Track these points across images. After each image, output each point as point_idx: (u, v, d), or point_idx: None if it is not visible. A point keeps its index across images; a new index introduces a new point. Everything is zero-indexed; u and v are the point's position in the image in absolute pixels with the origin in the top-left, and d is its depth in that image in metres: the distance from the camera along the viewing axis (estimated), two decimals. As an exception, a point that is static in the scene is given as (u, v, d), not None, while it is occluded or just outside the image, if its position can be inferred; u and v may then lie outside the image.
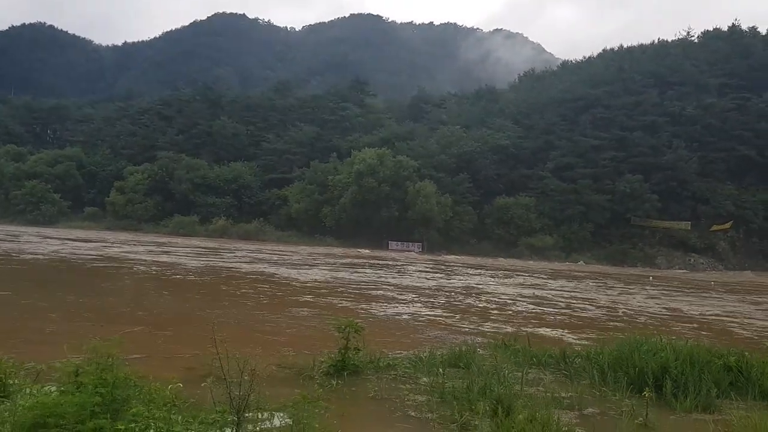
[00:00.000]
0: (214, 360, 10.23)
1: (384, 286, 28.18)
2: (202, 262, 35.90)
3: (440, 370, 10.31)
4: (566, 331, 17.97)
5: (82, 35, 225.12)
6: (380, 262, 47.76)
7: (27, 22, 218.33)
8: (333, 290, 25.36)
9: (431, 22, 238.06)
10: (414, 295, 25.17)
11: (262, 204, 79.08)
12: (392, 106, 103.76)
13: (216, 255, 43.59)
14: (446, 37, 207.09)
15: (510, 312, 21.87)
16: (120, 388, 6.11)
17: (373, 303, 21.85)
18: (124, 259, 34.99)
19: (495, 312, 21.51)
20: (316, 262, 42.87)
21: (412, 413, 8.33)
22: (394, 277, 33.53)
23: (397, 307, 21.17)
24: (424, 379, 10.14)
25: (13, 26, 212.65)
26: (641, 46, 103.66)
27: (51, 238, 52.81)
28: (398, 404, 8.67)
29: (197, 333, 14.60)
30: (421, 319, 18.71)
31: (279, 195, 78.56)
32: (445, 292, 27.51)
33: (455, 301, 24.35)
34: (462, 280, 35.12)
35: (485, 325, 18.33)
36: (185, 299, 20.80)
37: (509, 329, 17.52)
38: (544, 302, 25.60)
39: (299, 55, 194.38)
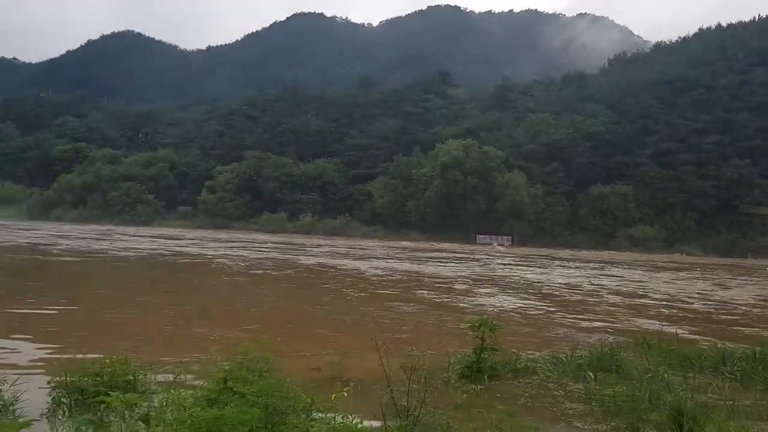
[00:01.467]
0: (341, 361, 9.31)
1: (479, 280, 26.69)
2: (295, 258, 35.46)
3: (589, 374, 9.11)
4: (693, 327, 16.04)
5: (169, 41, 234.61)
6: (469, 255, 46.13)
7: (117, 31, 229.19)
8: (427, 285, 24.09)
9: (511, 10, 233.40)
10: (515, 290, 23.60)
11: (347, 199, 78.86)
12: (475, 96, 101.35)
13: (303, 251, 43.22)
14: (527, 25, 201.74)
15: (626, 307, 20.00)
16: (277, 397, 5.34)
17: (475, 297, 20.51)
18: (220, 257, 34.97)
19: (613, 307, 19.69)
20: (403, 256, 41.76)
21: (578, 424, 7.19)
22: (486, 271, 31.94)
23: (501, 302, 19.73)
24: (573, 384, 8.93)
25: (104, 35, 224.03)
26: (742, 23, 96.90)
27: (154, 237, 54.10)
28: (557, 414, 7.56)
29: (311, 331, 13.77)
30: (532, 314, 17.19)
31: (363, 190, 78.13)
32: (547, 286, 25.76)
33: (560, 295, 22.66)
34: (560, 273, 33.12)
35: (608, 322, 16.65)
36: (289, 296, 20.13)
37: (637, 326, 15.83)
38: (655, 296, 23.52)
39: (378, 51, 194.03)
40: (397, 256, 41.80)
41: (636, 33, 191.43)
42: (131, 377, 7.83)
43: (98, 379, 7.40)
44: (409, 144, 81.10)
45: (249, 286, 22.46)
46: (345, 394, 6.01)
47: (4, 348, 10.77)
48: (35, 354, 10.59)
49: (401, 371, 10.48)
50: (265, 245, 48.08)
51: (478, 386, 8.57)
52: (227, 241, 51.66)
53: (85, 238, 47.65)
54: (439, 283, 25.04)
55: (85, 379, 7.43)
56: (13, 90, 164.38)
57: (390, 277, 26.52)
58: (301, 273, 27.38)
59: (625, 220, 65.60)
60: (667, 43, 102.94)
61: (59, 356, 10.36)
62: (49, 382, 7.76)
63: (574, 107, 79.57)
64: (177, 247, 41.37)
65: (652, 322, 17.14)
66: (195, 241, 49.30)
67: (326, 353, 11.27)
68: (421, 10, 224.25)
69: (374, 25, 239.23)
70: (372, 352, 11.72)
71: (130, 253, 35.00)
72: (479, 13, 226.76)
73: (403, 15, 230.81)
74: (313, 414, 5.84)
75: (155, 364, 8.25)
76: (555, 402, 8.04)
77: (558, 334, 14.56)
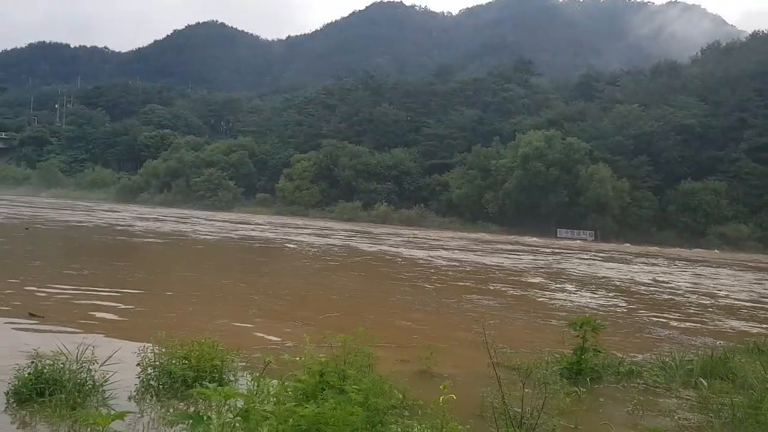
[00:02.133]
0: (431, 355, 8.72)
1: (560, 276, 25.52)
2: (369, 247, 35.14)
3: (701, 380, 8.43)
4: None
5: (251, 31, 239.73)
6: (549, 250, 44.60)
7: (201, 21, 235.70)
8: (505, 278, 23.18)
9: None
10: (599, 287, 22.40)
11: (423, 190, 78.15)
12: (559, 86, 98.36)
13: (378, 239, 42.90)
14: (613, 13, 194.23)
15: (719, 308, 18.60)
16: (379, 395, 5.03)
17: (556, 293, 19.57)
18: (296, 243, 35.06)
19: (704, 308, 18.34)
20: (479, 248, 40.79)
21: (699, 438, 6.63)
22: (567, 266, 30.58)
23: (585, 299, 18.65)
24: (684, 391, 8.36)
25: (189, 25, 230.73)
26: None
27: (232, 222, 55.16)
28: (671, 425, 6.98)
29: (394, 321, 13.28)
30: (619, 313, 16.11)
31: (440, 181, 77.22)
32: (633, 283, 24.36)
33: (648, 294, 21.38)
34: (646, 270, 31.41)
35: (701, 323, 15.49)
36: (366, 284, 19.74)
37: (731, 328, 14.71)
38: (748, 297, 21.89)
39: (456, 40, 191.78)
40: (473, 248, 40.92)
41: (729, 22, 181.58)
42: (218, 362, 7.48)
43: (186, 362, 7.25)
44: (488, 134, 79.46)
45: (324, 271, 22.23)
46: (453, 396, 5.42)
47: (94, 326, 10.76)
48: (124, 333, 10.50)
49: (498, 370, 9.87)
50: (340, 233, 48.11)
51: (580, 390, 7.93)
52: (303, 228, 52.00)
53: (168, 221, 49.02)
54: (517, 277, 24.13)
55: (174, 361, 7.29)
56: (103, 78, 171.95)
57: (465, 269, 25.83)
58: (375, 261, 27.01)
59: (716, 217, 62.03)
60: (765, 32, 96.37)
61: (147, 337, 10.28)
62: (138, 364, 7.55)
63: (665, 98, 75.72)
64: (254, 232, 41.89)
65: (750, 324, 15.81)
66: (271, 227, 49.83)
67: (412, 345, 10.77)
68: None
69: (453, 14, 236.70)
70: (460, 346, 11.16)
71: (210, 237, 35.62)
72: (562, 1, 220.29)
73: (484, 3, 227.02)
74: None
75: (241, 348, 8.05)
76: (667, 410, 7.51)
77: (658, 335, 13.52)
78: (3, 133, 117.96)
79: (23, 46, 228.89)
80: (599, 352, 9.04)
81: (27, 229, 32.97)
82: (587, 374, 8.64)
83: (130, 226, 40.29)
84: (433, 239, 48.88)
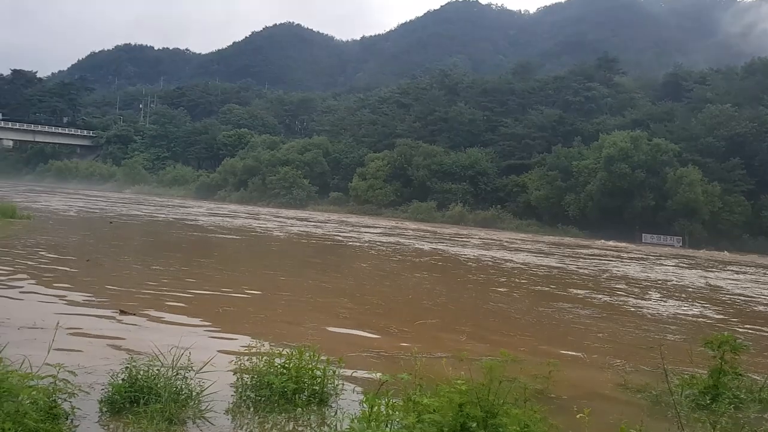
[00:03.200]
0: (549, 374, 7.71)
1: (648, 283, 23.78)
2: (446, 248, 34.11)
3: None
4: None
5: (326, 32, 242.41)
6: (633, 255, 42.30)
7: (278, 22, 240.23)
8: (591, 284, 21.68)
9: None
10: (690, 296, 20.67)
11: (500, 191, 76.28)
12: (644, 85, 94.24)
13: (453, 241, 41.78)
14: (699, 10, 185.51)
15: None
16: None
17: (649, 302, 18.11)
18: (371, 242, 34.43)
19: None
20: (560, 252, 39.05)
21: None
22: (655, 274, 28.62)
23: (680, 309, 17.10)
24: None
25: (266, 27, 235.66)
26: None
27: (306, 220, 55.25)
28: None
29: (493, 331, 12.30)
30: (717, 326, 14.46)
31: (517, 182, 75.18)
32: (727, 294, 22.38)
33: (746, 305, 19.45)
34: (739, 280, 29.07)
35: None
36: (451, 286, 18.74)
37: None
38: None
39: (533, 38, 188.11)
40: (554, 252, 39.28)
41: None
42: (319, 373, 6.92)
43: (284, 371, 6.80)
44: (569, 134, 76.87)
45: (404, 272, 21.43)
46: None
47: (184, 325, 10.28)
48: (216, 335, 9.97)
49: (618, 389, 8.77)
50: (414, 233, 47.26)
51: (723, 419, 7.04)
52: (375, 227, 51.40)
53: (243, 218, 49.46)
54: (603, 283, 22.66)
55: (272, 371, 6.84)
56: (185, 79, 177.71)
57: (548, 274, 24.56)
58: (452, 263, 26.03)
59: (817, 224, 57.77)
60: None
61: (240, 340, 9.70)
62: (234, 373, 6.98)
63: (759, 98, 71.08)
64: (327, 231, 41.56)
65: None
66: (343, 226, 49.48)
67: (524, 360, 9.79)
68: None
69: (531, 12, 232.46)
70: (572, 363, 10.06)
71: (283, 234, 35.47)
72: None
73: (563, 1, 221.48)
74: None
75: (339, 355, 7.37)
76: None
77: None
78: (91, 132, 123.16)
79: (110, 48, 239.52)
80: (740, 375, 7.98)
81: (111, 222, 33.81)
82: (726, 400, 7.61)
83: (207, 222, 40.72)
84: (511, 241, 47.42)
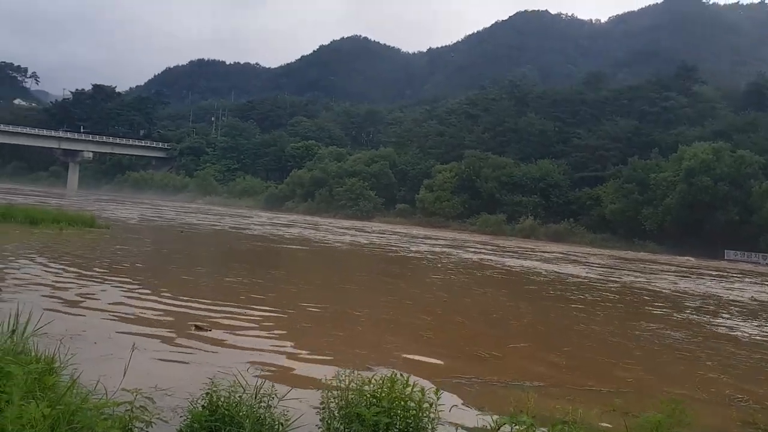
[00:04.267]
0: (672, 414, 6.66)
1: (741, 305, 21.84)
2: (515, 261, 32.78)
3: None
4: None
5: (393, 45, 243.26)
6: (716, 273, 39.73)
7: (346, 36, 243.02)
8: (673, 305, 19.97)
9: (762, 1, 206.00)
10: None
11: (572, 203, 74.08)
12: (724, 94, 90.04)
13: (526, 255, 40.29)
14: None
15: None
16: None
17: (745, 325, 16.41)
18: (441, 254, 33.47)
19: None
20: (637, 268, 37.04)
21: None
22: (741, 293, 26.51)
23: None
24: None
25: (334, 40, 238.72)
26: None
27: (373, 231, 54.79)
28: None
29: (595, 357, 11.18)
30: None
31: (591, 194, 72.86)
32: None
33: None
34: None
35: None
36: (538, 306, 17.56)
37: None
38: None
39: (605, 48, 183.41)
40: (630, 267, 37.38)
41: None
42: (413, 404, 6.04)
43: (374, 400, 6.02)
44: (645, 146, 74.09)
45: (479, 287, 20.39)
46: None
47: (262, 343, 9.67)
48: (299, 357, 9.30)
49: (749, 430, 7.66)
50: (483, 246, 46.06)
51: None
52: (442, 239, 50.36)
53: (310, 229, 49.35)
54: (687, 302, 20.98)
55: (362, 401, 6.08)
56: (255, 92, 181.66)
57: (621, 289, 23.05)
58: (529, 279, 24.72)
59: None
60: None
61: (321, 362, 9.02)
62: (321, 404, 6.25)
63: None
64: (393, 242, 40.81)
65: None
66: (409, 238, 48.66)
67: (626, 391, 8.76)
68: (657, 3, 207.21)
69: (602, 21, 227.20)
70: (688, 397, 8.89)
71: (350, 246, 34.95)
72: (724, 5, 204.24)
73: (636, 10, 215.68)
74: None
75: (428, 382, 6.80)
76: None
77: None
78: (166, 144, 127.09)
79: (185, 63, 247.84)
80: None
81: (182, 232, 34.10)
82: None
83: (275, 232, 40.70)
84: (584, 256, 45.57)
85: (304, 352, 9.42)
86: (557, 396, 7.96)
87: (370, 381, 6.38)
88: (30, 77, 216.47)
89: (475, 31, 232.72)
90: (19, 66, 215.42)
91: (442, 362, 9.74)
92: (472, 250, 40.98)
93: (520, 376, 9.21)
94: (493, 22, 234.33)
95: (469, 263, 29.46)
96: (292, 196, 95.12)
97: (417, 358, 9.77)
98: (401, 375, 6.41)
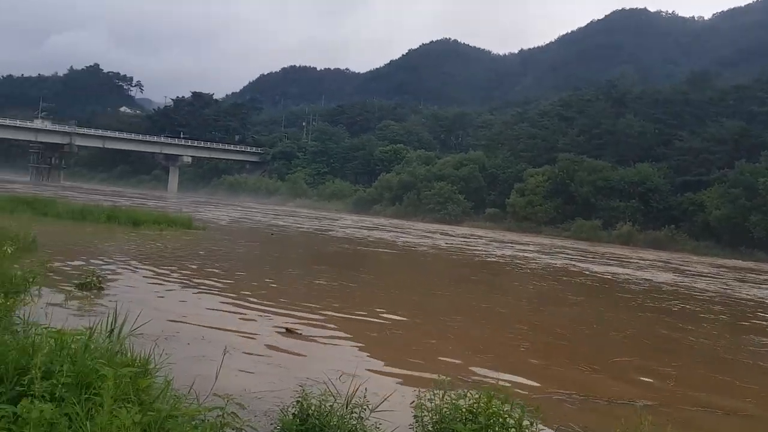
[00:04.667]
0: None
1: None
2: (615, 269, 31.18)
3: None
4: None
5: (483, 47, 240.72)
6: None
7: (435, 39, 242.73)
8: None
9: None
10: None
11: (673, 209, 70.40)
12: None
13: (623, 262, 38.34)
14: None
15: None
16: None
17: None
18: (529, 260, 32.35)
19: None
20: (744, 278, 34.49)
21: None
22: None
23: None
24: None
25: (423, 44, 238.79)
26: None
27: (460, 236, 54.05)
28: None
29: (697, 373, 10.29)
30: None
31: (694, 200, 68.96)
32: None
33: None
34: None
35: None
36: (639, 318, 16.45)
37: None
38: None
39: (709, 46, 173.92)
40: (735, 277, 34.88)
41: None
42: (512, 422, 5.65)
43: (471, 415, 5.65)
44: (754, 148, 69.42)
45: (574, 295, 19.36)
46: None
47: (353, 352, 9.41)
48: (385, 362, 8.99)
49: None
50: (577, 252, 44.27)
51: None
52: (532, 245, 48.85)
53: (398, 232, 49.14)
54: None
55: (457, 416, 5.71)
56: (344, 97, 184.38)
57: (726, 301, 21.35)
58: (626, 288, 23.34)
59: None
60: None
61: (413, 371, 8.66)
62: (414, 417, 5.89)
63: None
64: (481, 247, 39.91)
65: None
66: (498, 243, 47.50)
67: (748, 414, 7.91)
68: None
69: (705, 18, 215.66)
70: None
71: (436, 249, 34.40)
72: None
73: (743, 5, 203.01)
74: None
75: (528, 397, 6.77)
76: None
77: None
78: (259, 149, 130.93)
79: (278, 70, 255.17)
80: None
81: (272, 234, 34.69)
82: None
83: (363, 235, 40.73)
84: (685, 264, 43.00)
85: (394, 361, 9.10)
86: (669, 417, 7.27)
87: (465, 395, 5.98)
88: (135, 86, 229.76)
89: (569, 31, 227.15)
90: (125, 75, 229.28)
91: (540, 376, 9.17)
92: (565, 256, 39.54)
93: (625, 393, 8.57)
94: (588, 21, 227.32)
95: (561, 270, 28.33)
96: (380, 200, 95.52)
97: (513, 370, 9.23)
98: (499, 389, 5.99)
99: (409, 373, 8.57)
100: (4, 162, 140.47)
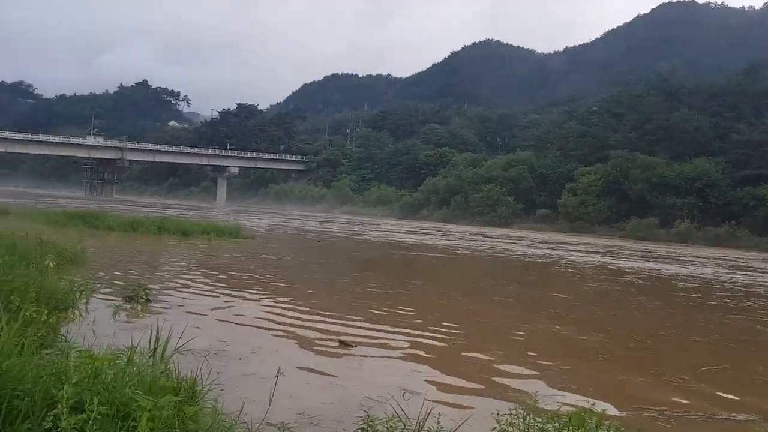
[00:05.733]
0: None
1: None
2: (686, 270, 29.52)
3: None
4: None
5: (527, 46, 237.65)
6: None
7: (477, 41, 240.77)
8: None
9: None
10: None
11: (733, 204, 67.51)
12: None
13: (686, 262, 36.46)
14: None
15: None
16: None
17: None
18: (592, 263, 30.97)
19: None
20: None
21: None
22: None
23: None
24: None
25: (465, 46, 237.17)
26: None
27: (516, 238, 52.78)
28: None
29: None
30: None
31: (755, 194, 65.95)
32: None
33: None
34: None
35: None
36: (719, 320, 15.17)
37: None
38: None
39: (762, 36, 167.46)
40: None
41: None
42: None
43: None
44: (817, 140, 66.11)
45: (645, 298, 18.03)
46: None
47: (414, 367, 8.61)
48: (451, 380, 8.18)
49: None
50: (633, 251, 42.50)
51: None
52: (585, 245, 47.21)
53: (446, 236, 48.19)
54: None
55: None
56: (387, 103, 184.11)
57: None
58: (694, 288, 21.85)
59: None
60: None
61: (485, 390, 7.86)
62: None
63: None
64: (530, 249, 38.59)
65: None
66: (548, 244, 46.05)
67: None
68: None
69: (756, 8, 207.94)
70: None
71: (487, 253, 33.31)
72: None
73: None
74: None
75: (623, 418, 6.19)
76: None
77: None
78: (304, 157, 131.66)
79: (320, 78, 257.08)
80: None
81: (319, 241, 34.34)
82: None
83: (411, 240, 39.96)
84: (746, 261, 40.83)
85: (459, 376, 8.30)
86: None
87: (554, 417, 5.21)
88: (182, 100, 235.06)
89: (615, 27, 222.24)
90: (173, 90, 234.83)
91: (623, 390, 8.24)
92: (622, 255, 37.99)
93: (724, 407, 7.69)
94: (634, 16, 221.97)
95: (621, 271, 26.97)
96: (427, 204, 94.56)
97: (594, 385, 8.30)
98: (590, 409, 5.22)
99: (479, 387, 7.85)
100: (59, 178, 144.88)
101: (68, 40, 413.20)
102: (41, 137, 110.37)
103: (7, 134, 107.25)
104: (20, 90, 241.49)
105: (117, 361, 4.67)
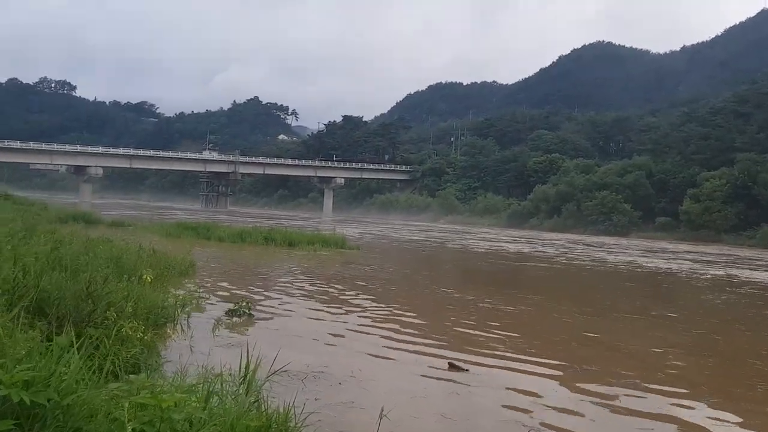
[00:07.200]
0: None
1: None
2: None
3: None
4: None
5: (641, 47, 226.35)
6: None
7: (587, 43, 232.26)
8: None
9: None
10: None
11: None
12: None
13: None
14: None
15: None
16: None
17: None
18: (730, 275, 28.15)
19: None
20: None
21: None
22: None
23: None
24: None
25: (575, 49, 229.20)
26: None
27: (634, 249, 49.68)
28: None
29: None
30: None
31: None
32: None
33: None
34: None
35: None
36: None
37: None
38: None
39: None
40: None
41: None
42: None
43: None
44: None
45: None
46: None
47: (534, 394, 7.55)
48: (585, 406, 7.07)
49: None
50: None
51: None
52: (712, 256, 43.40)
53: (560, 246, 45.91)
54: None
55: None
56: (492, 110, 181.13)
57: None
58: None
59: None
60: None
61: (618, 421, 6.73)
62: None
63: None
64: (660, 262, 35.77)
65: None
66: (669, 254, 42.70)
67: None
68: None
69: None
70: None
71: (608, 265, 31.05)
72: None
73: None
74: None
75: None
76: None
77: None
78: (408, 167, 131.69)
79: (424, 88, 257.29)
80: None
81: (423, 251, 33.73)
82: None
83: (522, 250, 38.32)
84: None
85: (593, 402, 7.17)
86: None
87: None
88: (291, 114, 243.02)
89: (737, 23, 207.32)
90: (281, 105, 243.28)
91: None
92: (758, 268, 34.53)
93: None
94: (759, 10, 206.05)
95: (763, 285, 24.27)
96: (536, 213, 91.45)
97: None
98: None
99: (623, 419, 6.70)
100: (178, 192, 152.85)
101: (187, 62, 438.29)
102: (162, 153, 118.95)
103: (131, 151, 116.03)
104: (144, 110, 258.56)
105: (190, 401, 3.96)
